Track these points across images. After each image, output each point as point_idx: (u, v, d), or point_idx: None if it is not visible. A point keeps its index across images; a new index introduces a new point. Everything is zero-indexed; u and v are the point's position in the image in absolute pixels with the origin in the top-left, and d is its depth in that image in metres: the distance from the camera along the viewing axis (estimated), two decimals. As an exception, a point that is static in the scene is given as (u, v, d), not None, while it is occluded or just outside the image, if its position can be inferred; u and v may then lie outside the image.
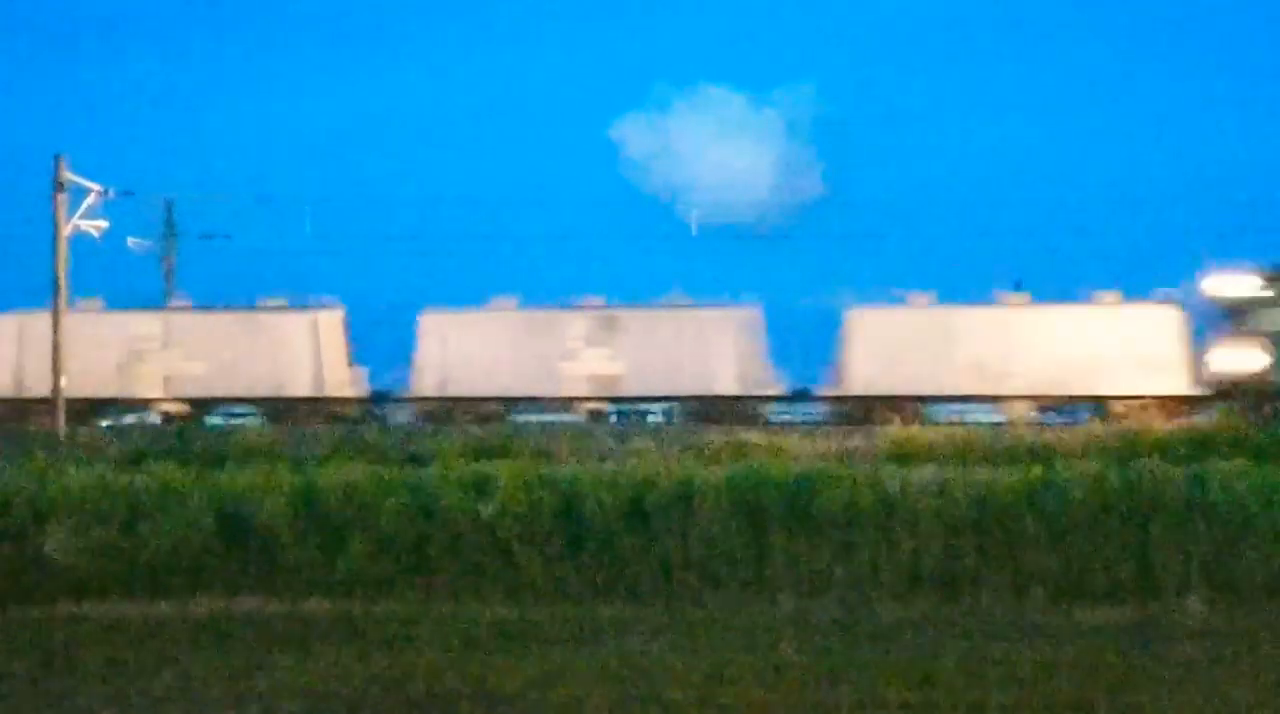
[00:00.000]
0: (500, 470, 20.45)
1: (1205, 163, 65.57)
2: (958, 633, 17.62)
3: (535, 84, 76.10)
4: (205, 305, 41.33)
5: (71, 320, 36.71)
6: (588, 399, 38.51)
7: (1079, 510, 19.69)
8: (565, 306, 39.21)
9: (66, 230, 36.63)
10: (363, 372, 40.05)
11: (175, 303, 43.05)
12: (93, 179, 37.91)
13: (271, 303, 40.56)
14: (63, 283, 36.47)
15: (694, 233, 44.62)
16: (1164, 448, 22.12)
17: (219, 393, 39.70)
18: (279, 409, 38.65)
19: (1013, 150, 69.26)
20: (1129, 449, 22.39)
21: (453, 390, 38.31)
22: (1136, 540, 19.56)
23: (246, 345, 39.78)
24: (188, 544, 20.04)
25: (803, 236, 48.11)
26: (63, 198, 36.88)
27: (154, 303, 44.14)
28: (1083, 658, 16.05)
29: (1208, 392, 35.35)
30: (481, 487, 20.07)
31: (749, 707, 14.18)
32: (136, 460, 22.78)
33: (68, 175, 37.06)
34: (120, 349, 40.05)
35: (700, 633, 17.59)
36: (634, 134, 44.99)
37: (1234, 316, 35.70)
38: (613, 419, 37.95)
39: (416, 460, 21.82)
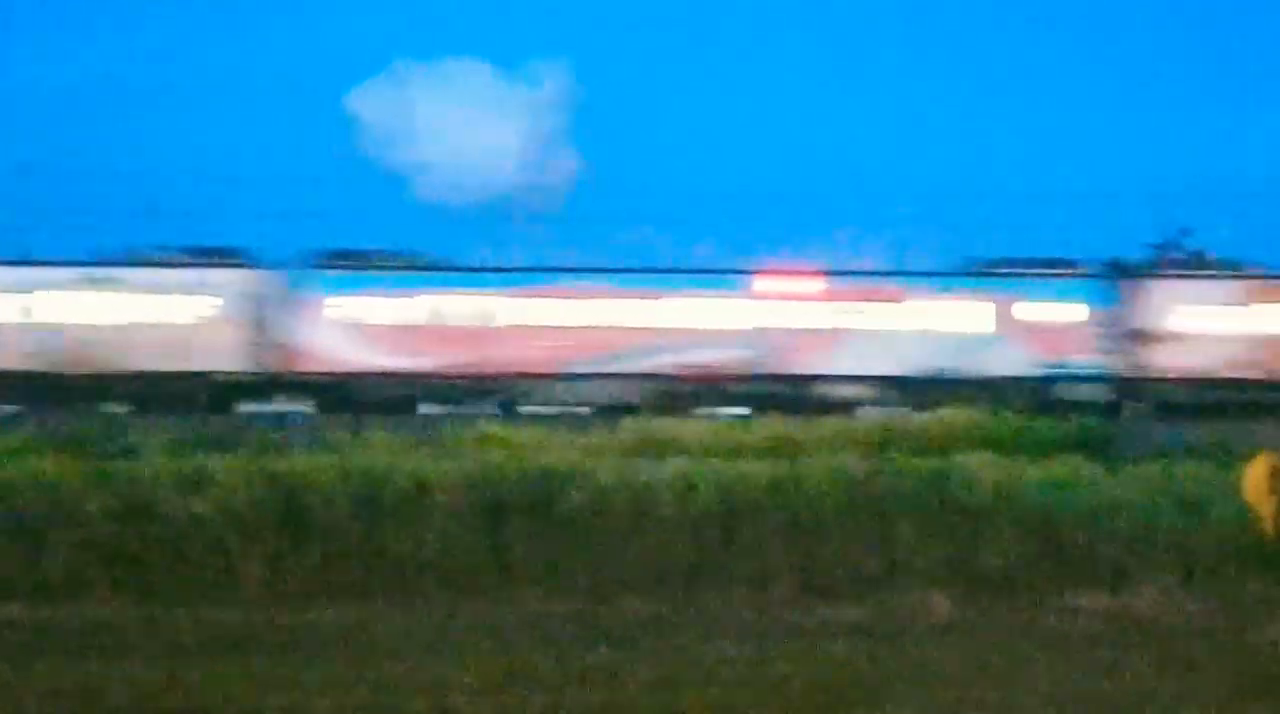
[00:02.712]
0: (218, 464, 19.42)
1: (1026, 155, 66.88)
2: (701, 630, 17.21)
3: (270, 50, 73.39)
4: None
5: None
6: None
7: (824, 504, 19.58)
8: None
9: None
10: None
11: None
12: None
13: None
14: None
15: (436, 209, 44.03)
16: (910, 442, 22.17)
17: None
18: None
19: (768, 131, 69.68)
20: (875, 443, 22.38)
21: None
22: (881, 535, 19.51)
23: None
24: None
25: (553, 216, 47.75)
26: None
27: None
28: (826, 654, 15.77)
29: None
30: (198, 482, 19.05)
31: (486, 712, 13.49)
32: None
33: None
34: None
35: (435, 635, 16.83)
36: (373, 106, 43.71)
37: None
38: None
39: (127, 454, 20.62)
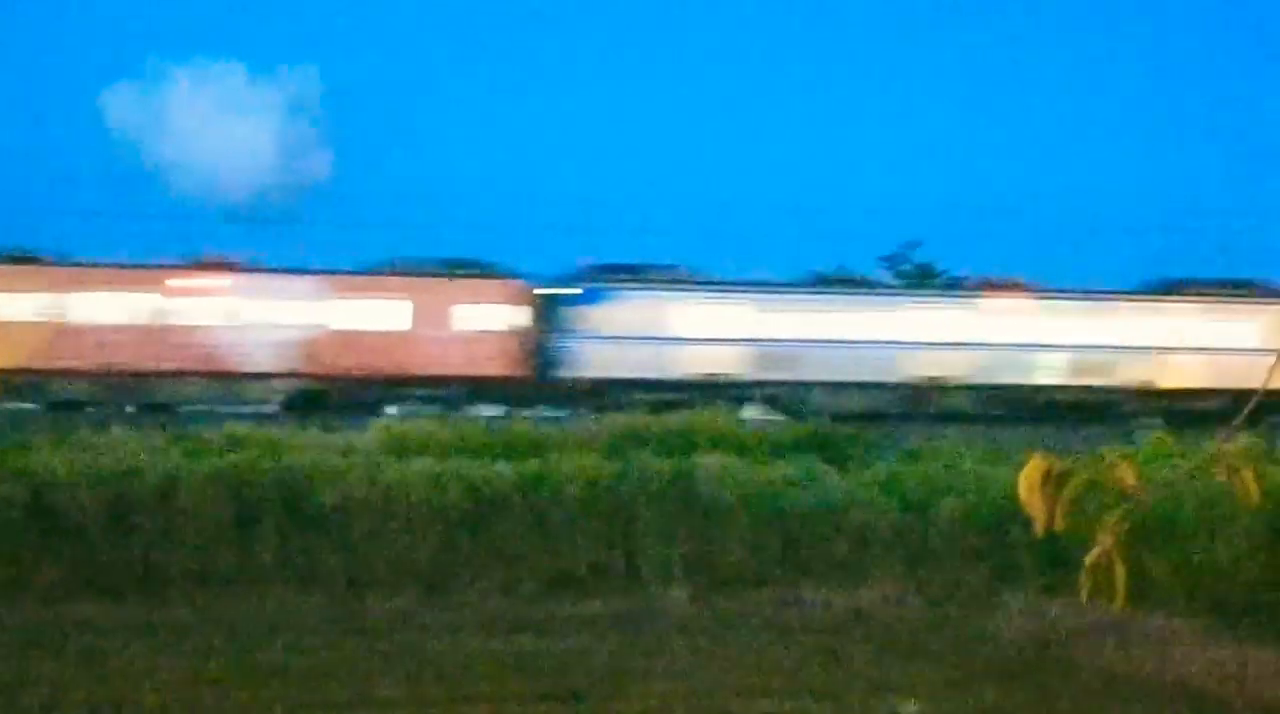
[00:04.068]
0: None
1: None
2: (449, 626, 17.49)
3: (16, 45, 70.94)
4: None
5: None
6: None
7: (570, 503, 19.94)
8: None
9: None
10: None
11: None
12: None
13: None
14: None
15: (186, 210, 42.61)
16: (652, 442, 22.66)
17: None
18: None
19: (522, 138, 69.88)
20: (618, 442, 22.83)
21: None
22: (625, 532, 19.98)
23: None
24: None
25: (303, 218, 47.24)
26: None
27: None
28: (570, 648, 16.20)
29: None
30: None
31: (232, 708, 13.58)
32: None
33: None
34: None
35: (184, 632, 16.76)
36: (124, 105, 42.30)
37: None
38: None
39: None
